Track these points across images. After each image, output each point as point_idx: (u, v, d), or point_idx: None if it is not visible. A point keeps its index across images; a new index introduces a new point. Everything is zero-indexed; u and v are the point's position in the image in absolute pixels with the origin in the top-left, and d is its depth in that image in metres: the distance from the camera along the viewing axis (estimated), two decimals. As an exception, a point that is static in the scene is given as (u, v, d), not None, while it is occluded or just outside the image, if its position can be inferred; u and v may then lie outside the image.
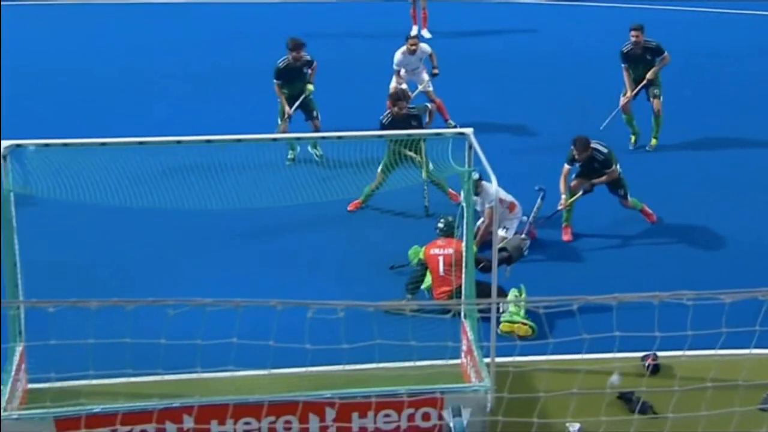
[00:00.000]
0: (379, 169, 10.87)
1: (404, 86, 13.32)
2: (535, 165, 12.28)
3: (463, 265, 8.76)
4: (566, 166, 10.90)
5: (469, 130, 8.26)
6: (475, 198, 9.64)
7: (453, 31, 17.59)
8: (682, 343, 5.40)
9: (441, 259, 9.62)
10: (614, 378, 8.03)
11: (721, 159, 13.10)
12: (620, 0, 19.26)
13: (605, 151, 10.93)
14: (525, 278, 9.89)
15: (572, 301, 4.66)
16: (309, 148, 12.53)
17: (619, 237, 11.16)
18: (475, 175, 8.22)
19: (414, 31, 16.60)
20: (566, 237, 11.08)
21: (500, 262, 8.91)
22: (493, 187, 8.12)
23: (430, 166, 10.12)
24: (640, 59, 12.92)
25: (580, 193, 10.98)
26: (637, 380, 8.15)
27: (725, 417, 6.00)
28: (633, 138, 13.16)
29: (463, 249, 8.75)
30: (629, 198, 11.12)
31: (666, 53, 12.94)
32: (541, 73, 15.92)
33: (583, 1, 19.58)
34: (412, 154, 10.48)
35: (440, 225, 9.95)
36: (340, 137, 8.57)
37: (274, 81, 12.65)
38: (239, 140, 9.06)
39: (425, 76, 13.53)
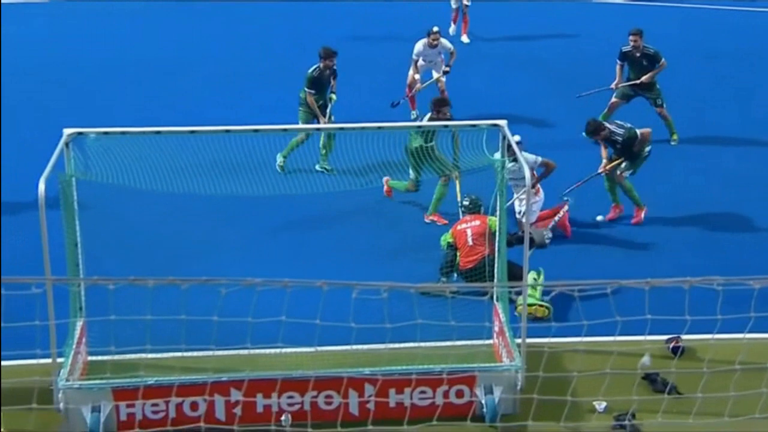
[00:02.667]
0: (411, 176, 10.75)
1: (418, 76, 13.21)
2: (563, 158, 12.12)
3: (496, 249, 8.70)
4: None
5: (503, 122, 8.21)
6: (513, 164, 9.19)
7: (490, 30, 17.36)
8: (710, 327, 5.30)
9: (469, 231, 9.47)
10: (645, 360, 7.92)
11: (745, 151, 12.89)
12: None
13: (622, 132, 10.76)
14: (556, 261, 9.79)
15: (606, 284, 4.59)
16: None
17: (648, 223, 10.99)
18: (517, 138, 8.09)
19: (452, 31, 16.39)
20: (611, 216, 10.88)
21: (519, 243, 8.78)
22: (530, 155, 8.12)
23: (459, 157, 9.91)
24: (637, 62, 12.80)
25: (621, 158, 10.80)
26: (665, 362, 8.05)
27: (752, 399, 5.90)
28: None
29: (495, 225, 8.72)
30: (627, 178, 10.86)
31: (663, 60, 12.75)
32: (576, 70, 15.66)
33: (626, 0, 19.16)
34: (443, 157, 10.19)
35: (465, 203, 9.85)
36: (380, 127, 8.53)
37: (307, 90, 11.82)
38: (285, 130, 9.05)
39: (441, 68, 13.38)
